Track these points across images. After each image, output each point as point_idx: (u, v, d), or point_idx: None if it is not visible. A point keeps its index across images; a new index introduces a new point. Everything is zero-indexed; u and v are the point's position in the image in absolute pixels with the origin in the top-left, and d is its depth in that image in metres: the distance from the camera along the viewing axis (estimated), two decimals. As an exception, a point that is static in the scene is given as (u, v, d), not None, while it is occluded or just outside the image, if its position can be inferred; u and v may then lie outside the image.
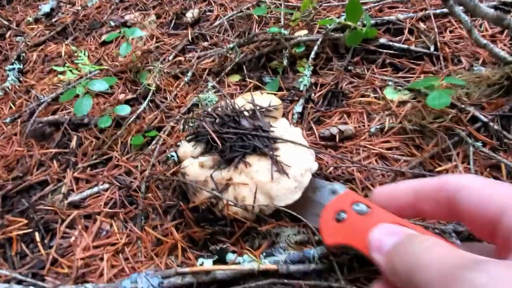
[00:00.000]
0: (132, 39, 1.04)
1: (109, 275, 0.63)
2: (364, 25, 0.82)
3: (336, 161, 0.70)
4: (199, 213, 0.64)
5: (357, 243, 0.46)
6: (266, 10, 0.87)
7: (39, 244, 0.69)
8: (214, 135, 0.65)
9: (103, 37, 1.17)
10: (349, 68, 0.85)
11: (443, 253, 0.35)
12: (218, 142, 0.64)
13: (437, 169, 0.65)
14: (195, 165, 0.64)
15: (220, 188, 0.62)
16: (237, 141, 0.64)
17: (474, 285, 0.29)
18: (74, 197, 0.75)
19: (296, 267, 0.56)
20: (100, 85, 0.81)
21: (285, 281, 0.55)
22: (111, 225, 0.71)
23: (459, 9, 0.70)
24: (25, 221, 0.73)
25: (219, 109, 0.71)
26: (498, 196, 0.39)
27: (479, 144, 0.66)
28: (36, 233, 0.71)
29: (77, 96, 0.84)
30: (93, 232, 0.70)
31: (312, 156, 0.66)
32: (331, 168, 0.69)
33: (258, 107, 0.70)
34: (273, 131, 0.67)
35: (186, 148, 0.67)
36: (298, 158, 0.63)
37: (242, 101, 0.72)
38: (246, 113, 0.69)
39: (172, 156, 0.71)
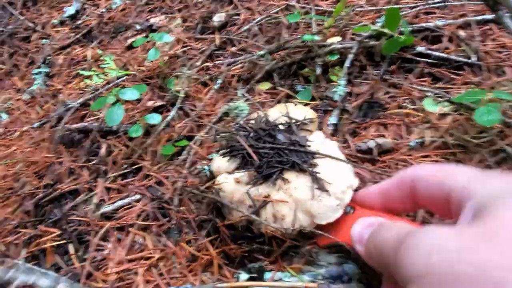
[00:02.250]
0: (159, 43, 1.02)
1: (144, 291, 0.62)
2: (401, 33, 0.80)
3: (375, 176, 0.68)
4: (236, 230, 0.63)
5: (345, 239, 0.53)
6: (299, 16, 0.84)
7: (73, 256, 0.69)
8: (250, 150, 0.63)
9: (129, 41, 1.16)
10: (385, 77, 0.82)
11: (400, 228, 0.39)
12: (255, 157, 0.62)
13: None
14: (231, 181, 0.63)
15: (258, 206, 0.60)
16: (274, 156, 0.63)
17: (417, 246, 0.33)
18: (106, 208, 0.75)
19: (337, 287, 0.55)
20: (131, 94, 0.80)
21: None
22: (144, 238, 0.70)
23: (508, 18, 0.67)
24: (58, 232, 0.73)
25: (253, 122, 0.70)
26: (446, 179, 0.43)
27: (527, 162, 0.63)
28: (70, 245, 0.70)
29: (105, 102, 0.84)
30: (127, 245, 0.69)
31: (351, 171, 0.64)
32: (369, 184, 0.67)
33: (293, 121, 0.68)
34: (310, 146, 0.65)
35: (220, 163, 0.66)
36: (338, 174, 0.61)
37: (275, 113, 0.71)
38: (281, 127, 0.67)
39: (205, 169, 0.70)
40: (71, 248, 0.70)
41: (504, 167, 0.64)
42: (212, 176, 0.67)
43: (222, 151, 0.67)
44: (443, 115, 0.73)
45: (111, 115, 0.77)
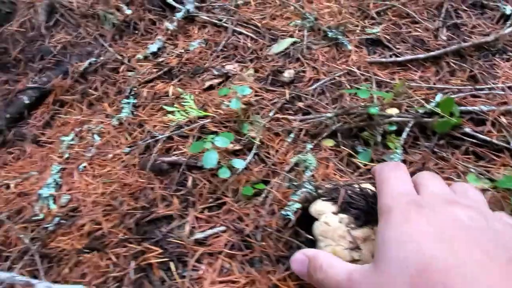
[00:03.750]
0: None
1: (233, 310, 0.78)
2: (451, 114, 0.96)
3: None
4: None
5: None
6: (369, 93, 1.01)
7: (174, 273, 0.85)
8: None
9: (207, 83, 1.35)
10: (435, 150, 0.98)
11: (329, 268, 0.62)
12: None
13: None
14: (335, 219, 0.77)
15: (357, 243, 0.75)
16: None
17: None
18: (198, 235, 0.91)
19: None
20: (222, 142, 0.97)
21: None
22: (230, 264, 0.86)
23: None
24: (160, 251, 0.89)
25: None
26: (377, 178, 0.68)
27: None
28: (171, 263, 0.87)
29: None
30: (217, 269, 0.85)
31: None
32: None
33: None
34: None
35: (323, 205, 0.80)
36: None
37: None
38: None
39: (288, 215, 0.86)
40: (172, 266, 0.86)
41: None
42: (313, 218, 0.81)
43: (326, 197, 0.82)
44: (483, 190, 0.89)
45: (207, 159, 0.94)
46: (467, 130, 0.98)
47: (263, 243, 0.87)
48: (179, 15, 1.59)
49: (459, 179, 0.92)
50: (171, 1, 1.68)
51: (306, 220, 0.85)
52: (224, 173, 0.98)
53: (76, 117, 1.38)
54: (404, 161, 0.98)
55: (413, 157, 0.98)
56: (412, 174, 0.95)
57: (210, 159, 0.95)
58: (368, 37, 1.34)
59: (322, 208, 0.81)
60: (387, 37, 1.33)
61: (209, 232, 0.92)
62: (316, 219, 0.79)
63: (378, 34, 1.33)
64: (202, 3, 1.68)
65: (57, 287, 0.73)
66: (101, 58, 1.49)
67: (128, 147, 1.22)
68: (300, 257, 0.71)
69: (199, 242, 0.91)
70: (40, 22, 1.51)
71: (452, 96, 1.06)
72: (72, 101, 1.42)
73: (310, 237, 0.81)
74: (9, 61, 1.45)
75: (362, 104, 1.08)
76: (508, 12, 1.27)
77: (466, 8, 1.36)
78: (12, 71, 1.44)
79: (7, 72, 1.43)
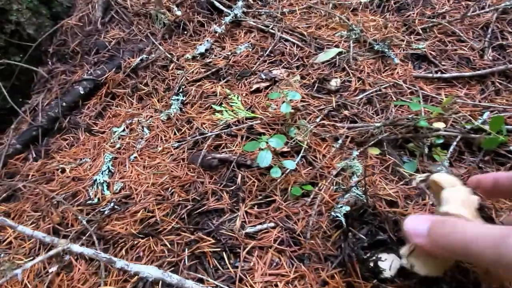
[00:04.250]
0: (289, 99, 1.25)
1: (284, 301, 0.82)
2: (498, 132, 0.99)
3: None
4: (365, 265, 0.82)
5: None
6: (420, 106, 1.05)
7: (227, 262, 0.90)
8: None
9: (254, 86, 1.40)
10: (480, 165, 1.01)
11: (478, 229, 0.57)
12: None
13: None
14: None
15: None
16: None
17: None
18: (249, 229, 0.96)
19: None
20: (276, 143, 1.02)
21: None
22: (280, 259, 0.91)
23: None
24: (213, 241, 0.95)
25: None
26: None
27: None
28: (224, 253, 0.92)
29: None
30: (267, 262, 0.90)
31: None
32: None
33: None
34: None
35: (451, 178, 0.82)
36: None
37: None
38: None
39: (338, 216, 0.90)
40: (225, 256, 0.91)
41: None
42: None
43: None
44: (527, 207, 0.92)
45: (262, 158, 0.99)
46: (513, 148, 1.01)
47: (312, 241, 0.91)
48: (227, 19, 1.65)
49: (504, 195, 0.95)
50: (219, 5, 1.75)
51: (354, 222, 0.90)
52: (276, 173, 1.03)
53: (126, 110, 1.45)
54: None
55: (459, 170, 1.01)
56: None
57: (266, 159, 1.00)
58: (413, 52, 1.38)
59: (451, 179, 0.80)
60: (433, 53, 1.36)
61: (259, 227, 0.97)
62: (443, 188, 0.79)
63: (424, 49, 1.37)
64: (248, 9, 1.74)
65: (133, 265, 0.79)
66: (152, 55, 1.56)
67: (177, 141, 1.28)
68: (419, 220, 0.68)
69: (250, 236, 0.95)
70: (97, 18, 1.59)
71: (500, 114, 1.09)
72: (123, 95, 1.49)
73: (363, 237, 0.85)
74: (67, 53, 1.53)
75: (409, 116, 1.12)
76: (554, 36, 1.30)
77: (512, 30, 1.40)
78: (69, 62, 1.52)
79: (64, 63, 1.51)
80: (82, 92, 1.45)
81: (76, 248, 0.82)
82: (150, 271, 0.77)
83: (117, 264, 0.78)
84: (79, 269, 0.98)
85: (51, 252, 0.82)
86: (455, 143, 1.03)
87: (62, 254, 0.89)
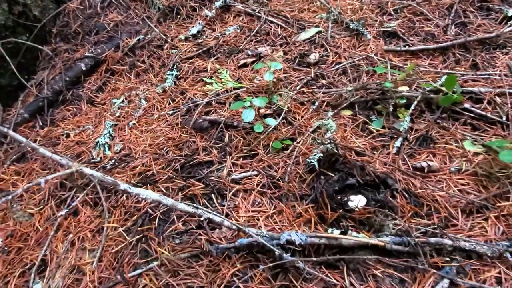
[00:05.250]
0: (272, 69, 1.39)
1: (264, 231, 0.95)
2: (454, 92, 1.13)
3: (424, 184, 1.00)
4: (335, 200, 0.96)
5: None
6: (384, 69, 1.19)
7: (215, 201, 1.04)
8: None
9: (241, 61, 1.54)
10: (438, 121, 1.15)
11: None
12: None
13: (497, 204, 0.94)
14: None
15: None
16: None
17: None
18: (234, 176, 1.10)
19: (396, 247, 0.87)
20: (259, 102, 1.16)
21: (386, 259, 0.86)
22: (261, 199, 1.04)
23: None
24: (203, 186, 1.08)
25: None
26: None
27: (530, 192, 0.94)
28: (212, 195, 1.05)
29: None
30: (250, 202, 1.03)
31: None
32: (419, 190, 0.99)
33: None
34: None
35: None
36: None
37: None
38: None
39: (311, 162, 1.04)
40: (213, 197, 1.05)
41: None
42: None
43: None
44: (476, 153, 1.06)
45: (247, 114, 1.13)
46: (467, 106, 1.16)
47: (289, 184, 1.05)
48: (217, 4, 1.79)
49: (457, 144, 1.09)
50: (210, -8, 1.88)
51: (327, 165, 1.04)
52: (259, 128, 1.16)
53: (125, 84, 1.58)
54: (411, 128, 1.15)
55: (419, 125, 1.15)
56: (417, 138, 1.13)
57: (249, 115, 1.13)
58: (385, 29, 1.53)
59: None
60: (402, 30, 1.51)
61: (244, 174, 1.10)
62: None
63: (394, 28, 1.52)
64: (237, -5, 1.88)
65: (134, 189, 0.92)
66: (148, 36, 1.70)
67: (172, 110, 1.42)
68: None
69: (235, 181, 1.09)
70: (96, 2, 1.73)
71: (458, 78, 1.24)
72: (122, 71, 1.62)
73: (333, 175, 1.00)
74: (69, 33, 1.66)
75: (378, 81, 1.26)
76: (510, 14, 1.44)
77: (474, 10, 1.54)
78: (71, 41, 1.65)
79: (67, 42, 1.63)
80: (84, 69, 1.58)
81: (87, 170, 0.96)
82: (149, 194, 0.90)
83: (121, 186, 0.91)
84: (84, 213, 1.11)
85: (67, 171, 0.95)
86: (416, 102, 1.17)
87: (75, 174, 1.03)
